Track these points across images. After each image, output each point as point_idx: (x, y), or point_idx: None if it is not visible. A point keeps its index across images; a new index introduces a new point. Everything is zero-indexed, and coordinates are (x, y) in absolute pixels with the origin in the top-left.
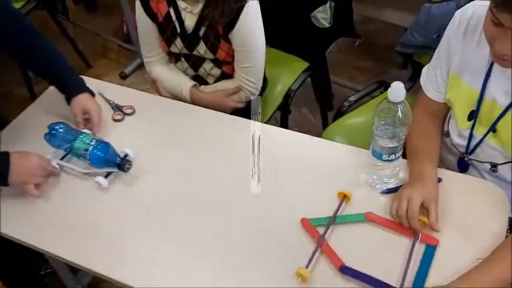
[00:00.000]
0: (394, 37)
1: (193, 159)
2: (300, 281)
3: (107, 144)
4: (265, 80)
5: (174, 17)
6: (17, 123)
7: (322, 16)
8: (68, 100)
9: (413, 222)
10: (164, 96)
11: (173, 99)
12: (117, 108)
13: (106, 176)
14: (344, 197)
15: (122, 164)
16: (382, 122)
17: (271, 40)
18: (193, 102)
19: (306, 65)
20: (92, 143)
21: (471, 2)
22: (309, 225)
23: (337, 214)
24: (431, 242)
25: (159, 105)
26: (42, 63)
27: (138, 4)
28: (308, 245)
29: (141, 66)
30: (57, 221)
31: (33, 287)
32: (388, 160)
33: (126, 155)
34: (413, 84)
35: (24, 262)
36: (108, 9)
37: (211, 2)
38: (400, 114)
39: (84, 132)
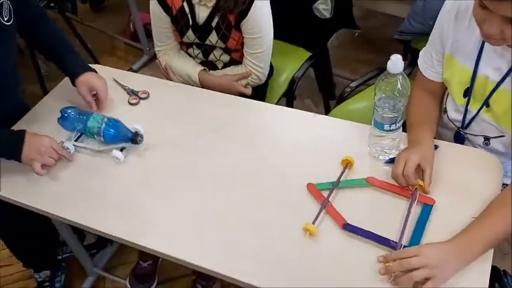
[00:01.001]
0: (394, 30)
1: (206, 135)
2: (307, 236)
3: (118, 121)
4: (271, 67)
5: (187, 10)
6: (32, 113)
7: (323, 7)
8: (74, 82)
9: (408, 180)
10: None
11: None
12: (132, 93)
13: (121, 150)
14: (347, 164)
15: (134, 137)
16: (383, 94)
17: (276, 32)
18: (203, 85)
19: (308, 54)
20: (104, 121)
21: None
22: (314, 189)
23: (341, 179)
24: (428, 202)
25: (172, 90)
26: (46, 45)
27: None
28: (314, 207)
29: (148, 62)
30: (77, 193)
31: (51, 270)
32: (389, 130)
33: (136, 131)
34: (412, 69)
35: (43, 247)
36: (114, 9)
37: None
38: (399, 85)
39: (94, 112)
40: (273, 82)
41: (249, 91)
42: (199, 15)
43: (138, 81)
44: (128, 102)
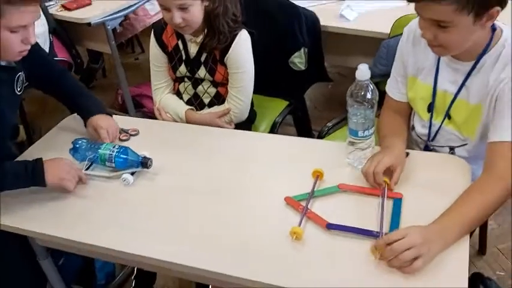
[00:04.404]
0: None
1: (194, 160)
2: (294, 239)
3: (127, 148)
4: (254, 112)
5: (181, 47)
6: (40, 143)
7: (299, 60)
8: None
9: (377, 178)
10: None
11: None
12: (122, 131)
13: (132, 174)
14: (318, 175)
15: (145, 161)
16: (354, 104)
17: (257, 86)
18: (188, 122)
19: (286, 102)
20: (115, 148)
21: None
22: (292, 201)
23: (315, 189)
24: (397, 196)
25: (160, 127)
26: (64, 96)
27: (152, 40)
28: (294, 216)
29: None
30: (90, 215)
31: None
32: (363, 136)
33: (144, 156)
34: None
35: None
36: (102, 88)
37: (210, 32)
38: (368, 92)
39: (104, 142)
40: (255, 127)
41: (230, 127)
42: (190, 51)
43: (129, 122)
44: (119, 139)
